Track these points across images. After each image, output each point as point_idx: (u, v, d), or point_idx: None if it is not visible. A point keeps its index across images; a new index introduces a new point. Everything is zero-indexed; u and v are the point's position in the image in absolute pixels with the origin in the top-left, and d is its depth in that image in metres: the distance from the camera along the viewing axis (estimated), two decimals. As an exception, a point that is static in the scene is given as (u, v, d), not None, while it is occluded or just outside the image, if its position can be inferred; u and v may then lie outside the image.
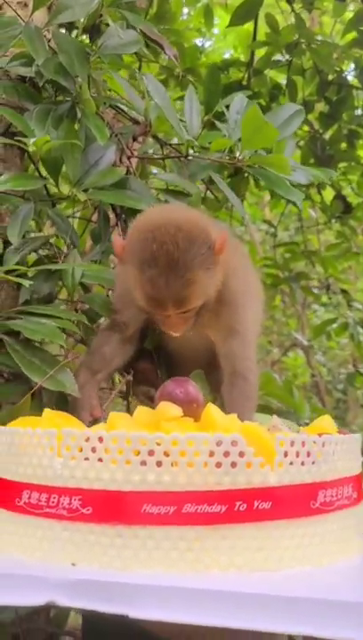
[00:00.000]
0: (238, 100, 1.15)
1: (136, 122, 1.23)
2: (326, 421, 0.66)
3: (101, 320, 1.02)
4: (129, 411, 1.12)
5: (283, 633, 0.56)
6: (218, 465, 0.55)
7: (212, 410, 0.62)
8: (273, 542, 0.57)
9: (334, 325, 2.18)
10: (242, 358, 0.87)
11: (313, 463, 0.59)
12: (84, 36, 1.26)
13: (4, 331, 0.90)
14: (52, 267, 0.99)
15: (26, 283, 0.89)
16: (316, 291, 2.36)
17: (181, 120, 1.15)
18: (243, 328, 0.89)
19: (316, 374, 2.68)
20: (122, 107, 1.24)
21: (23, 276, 0.93)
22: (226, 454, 0.56)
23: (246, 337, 0.89)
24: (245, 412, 0.81)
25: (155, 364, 1.03)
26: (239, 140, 1.04)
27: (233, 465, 0.56)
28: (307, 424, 1.36)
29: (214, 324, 0.87)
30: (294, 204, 1.81)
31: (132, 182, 1.09)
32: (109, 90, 1.27)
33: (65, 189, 1.05)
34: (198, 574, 0.55)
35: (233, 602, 0.51)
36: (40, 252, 1.10)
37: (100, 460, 0.56)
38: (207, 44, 2.46)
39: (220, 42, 2.54)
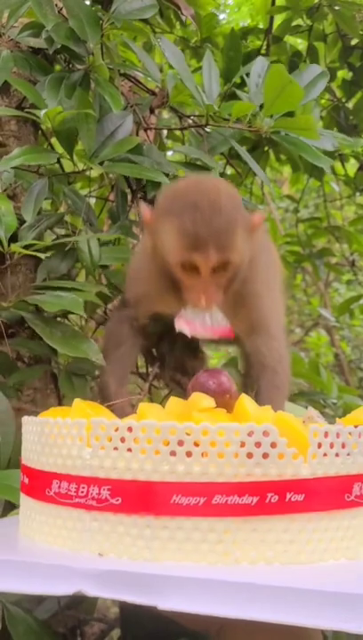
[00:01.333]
0: (259, 62, 1.10)
1: (153, 93, 1.20)
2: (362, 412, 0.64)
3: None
4: (151, 395, 1.11)
5: (315, 627, 0.55)
6: (249, 455, 0.54)
7: (245, 401, 0.61)
8: (306, 535, 0.55)
9: (359, 303, 2.13)
10: (269, 354, 0.85)
11: (348, 455, 0.57)
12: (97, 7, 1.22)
13: (25, 310, 0.90)
14: (66, 240, 0.97)
15: (42, 256, 0.88)
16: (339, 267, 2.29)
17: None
18: (267, 322, 0.86)
19: (340, 353, 2.63)
20: (138, 79, 1.21)
21: (40, 253, 0.91)
22: (257, 445, 0.54)
23: (270, 330, 0.86)
24: (275, 401, 0.78)
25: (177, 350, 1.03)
26: (261, 106, 1.00)
27: (265, 456, 0.54)
28: (334, 404, 1.34)
29: (238, 316, 0.83)
30: (318, 177, 1.76)
31: (150, 151, 1.04)
32: (124, 61, 1.24)
33: (80, 166, 1.01)
34: (228, 567, 0.54)
35: (264, 595, 0.50)
36: (57, 231, 1.09)
37: (129, 449, 0.55)
38: (222, 16, 2.37)
39: (234, 14, 2.44)
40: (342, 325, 2.80)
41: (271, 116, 1.02)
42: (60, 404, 1.08)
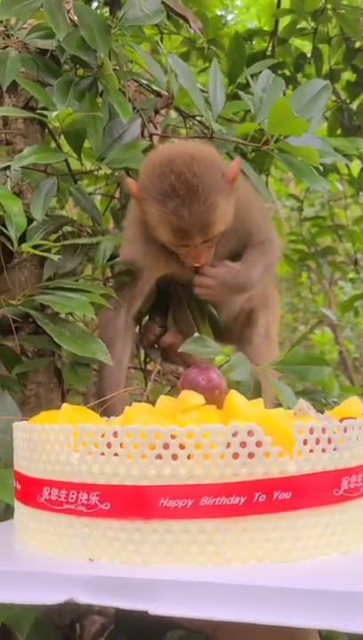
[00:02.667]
0: (264, 76, 1.12)
1: (158, 94, 1.20)
2: (353, 404, 0.64)
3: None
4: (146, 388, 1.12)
5: (312, 627, 0.55)
6: (235, 456, 0.54)
7: (234, 397, 0.61)
8: (295, 532, 0.55)
9: (362, 301, 2.14)
10: (265, 232, 0.93)
11: (335, 450, 0.57)
12: (105, 10, 1.23)
13: (32, 307, 0.91)
14: (82, 241, 0.99)
15: (54, 257, 0.89)
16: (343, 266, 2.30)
17: (202, 91, 1.12)
18: (263, 229, 0.95)
19: (344, 351, 2.63)
20: (144, 81, 1.22)
21: (48, 252, 0.92)
22: (243, 445, 0.54)
23: (266, 230, 0.95)
24: (255, 263, 0.83)
25: (180, 338, 1.03)
26: (265, 120, 1.02)
27: (250, 455, 0.54)
28: (336, 402, 1.34)
29: (237, 247, 0.91)
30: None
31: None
32: (131, 62, 1.24)
33: (87, 165, 1.04)
34: (219, 568, 0.54)
35: (257, 597, 0.50)
36: (63, 229, 1.10)
37: (115, 454, 0.55)
38: (230, 17, 2.39)
39: (243, 14, 2.46)
40: (345, 324, 2.81)
41: (273, 136, 1.04)
42: (63, 398, 1.09)
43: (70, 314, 1.07)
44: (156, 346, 1.06)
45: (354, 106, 1.87)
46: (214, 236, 0.85)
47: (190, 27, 1.29)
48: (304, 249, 2.09)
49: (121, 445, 0.55)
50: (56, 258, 0.90)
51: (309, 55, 1.81)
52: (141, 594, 0.52)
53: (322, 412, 0.65)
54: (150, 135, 1.15)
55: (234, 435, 0.54)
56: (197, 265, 0.87)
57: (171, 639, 0.72)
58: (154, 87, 1.23)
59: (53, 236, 1.04)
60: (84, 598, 0.52)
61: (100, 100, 1.04)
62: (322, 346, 2.85)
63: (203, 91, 1.16)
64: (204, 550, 0.54)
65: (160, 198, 0.82)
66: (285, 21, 1.81)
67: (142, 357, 1.13)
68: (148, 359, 1.11)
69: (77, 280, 0.97)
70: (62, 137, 1.05)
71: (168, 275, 0.97)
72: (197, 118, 1.24)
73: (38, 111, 0.99)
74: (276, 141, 1.03)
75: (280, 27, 1.79)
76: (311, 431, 0.56)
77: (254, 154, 1.47)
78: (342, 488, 0.57)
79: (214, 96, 1.12)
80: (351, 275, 2.44)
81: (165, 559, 0.54)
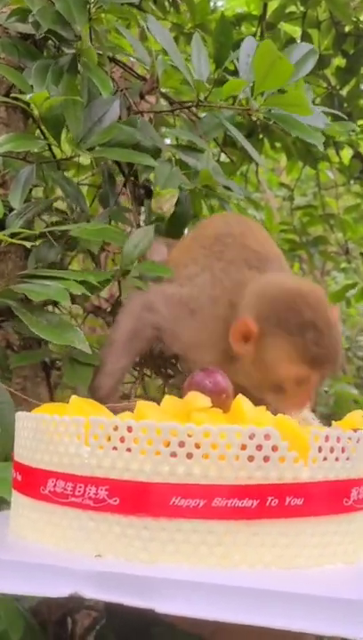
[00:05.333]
0: (248, 43, 1.09)
1: (144, 79, 1.19)
2: (358, 416, 0.64)
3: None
4: (144, 385, 1.11)
5: (312, 633, 0.55)
6: (250, 459, 0.54)
7: (241, 401, 0.60)
8: (304, 539, 0.55)
9: (353, 291, 2.12)
10: None
11: (348, 459, 0.57)
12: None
13: (13, 298, 0.89)
14: (56, 228, 0.96)
15: (28, 244, 0.87)
16: (334, 256, 2.29)
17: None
18: None
19: None
20: (129, 66, 1.20)
21: (28, 241, 0.90)
22: (259, 448, 0.54)
23: None
24: None
25: None
26: (252, 85, 0.99)
27: (266, 459, 0.54)
28: (326, 392, 1.34)
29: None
30: (312, 165, 1.75)
31: (144, 126, 1.04)
32: (114, 46, 1.22)
33: (68, 153, 1.01)
34: (226, 570, 0.53)
35: (262, 600, 0.50)
36: (46, 218, 1.08)
37: (128, 449, 0.54)
38: (220, 2, 2.35)
39: (233, 0, 2.43)
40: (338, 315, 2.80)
41: (262, 94, 1.01)
42: (50, 392, 1.07)
43: (56, 305, 1.06)
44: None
45: (344, 92, 1.83)
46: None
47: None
48: (296, 239, 2.06)
49: (135, 440, 0.54)
50: (29, 245, 0.89)
51: (298, 40, 1.74)
52: (146, 591, 0.51)
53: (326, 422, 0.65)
54: (136, 114, 1.13)
55: (251, 437, 0.54)
56: (304, 407, 0.81)
57: (158, 634, 0.71)
58: (140, 72, 1.21)
59: (39, 226, 1.02)
60: (89, 593, 0.51)
61: (79, 79, 1.01)
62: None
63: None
64: (212, 552, 0.53)
65: (298, 331, 0.80)
66: (273, 5, 1.76)
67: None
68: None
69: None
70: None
71: None
72: (184, 103, 1.21)
73: (14, 94, 0.96)
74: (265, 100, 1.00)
75: (269, 11, 1.74)
76: (327, 439, 0.56)
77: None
78: (351, 498, 0.57)
79: (199, 66, 1.08)
80: (344, 264, 2.43)
81: (172, 558, 0.54)
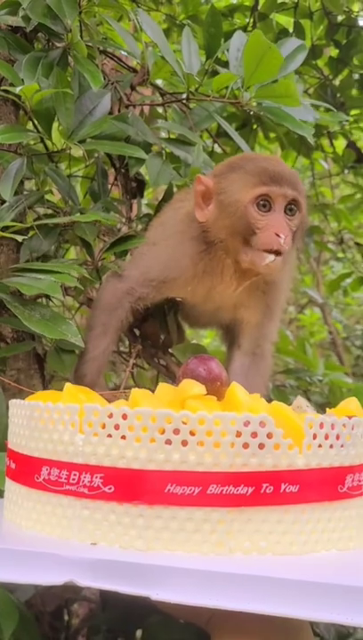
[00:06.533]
0: (238, 36, 1.09)
1: (135, 71, 1.19)
2: (352, 403, 0.64)
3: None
4: (133, 375, 1.11)
5: (307, 619, 0.55)
6: (245, 446, 0.54)
7: (236, 389, 0.60)
8: (299, 526, 0.55)
9: (349, 280, 2.12)
10: (269, 340, 0.88)
11: (342, 446, 0.57)
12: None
13: (5, 292, 0.88)
14: (49, 221, 0.96)
15: (20, 238, 0.87)
16: (331, 245, 2.28)
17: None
18: (279, 311, 0.91)
19: (333, 331, 2.61)
20: (120, 58, 1.19)
21: (20, 234, 0.90)
22: (254, 435, 0.54)
23: (277, 320, 0.91)
24: (259, 389, 0.81)
25: (158, 329, 1.03)
26: (242, 79, 0.99)
27: (261, 446, 0.54)
28: (320, 381, 1.34)
29: (256, 303, 0.88)
30: (306, 155, 1.74)
31: (135, 121, 1.04)
32: (105, 39, 1.22)
33: (59, 145, 1.01)
34: (221, 557, 0.53)
35: (257, 587, 0.50)
36: (39, 211, 1.07)
37: (123, 437, 0.54)
38: None
39: None
40: (335, 305, 2.81)
41: (253, 86, 1.01)
42: (44, 384, 1.07)
43: (49, 298, 1.05)
44: (135, 331, 1.06)
45: (337, 82, 1.81)
46: (299, 205, 0.84)
47: None
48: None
49: (130, 428, 0.54)
50: (20, 239, 0.88)
51: (290, 31, 1.73)
52: (141, 579, 0.51)
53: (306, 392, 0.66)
54: (126, 107, 1.13)
55: (246, 424, 0.54)
56: (279, 235, 0.81)
57: (151, 624, 0.71)
58: (131, 65, 1.21)
59: (31, 218, 1.02)
60: (84, 581, 0.51)
61: (70, 71, 1.01)
62: (311, 326, 2.84)
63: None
64: (207, 539, 0.53)
65: (252, 162, 0.83)
66: (265, -5, 1.74)
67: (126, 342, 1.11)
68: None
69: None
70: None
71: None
72: (174, 95, 1.21)
73: (4, 87, 0.96)
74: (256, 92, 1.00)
75: (261, 2, 1.73)
76: (321, 426, 0.56)
77: (237, 132, 1.46)
78: (346, 485, 0.57)
79: (189, 60, 1.08)
80: (339, 254, 2.43)
81: (167, 546, 0.54)
